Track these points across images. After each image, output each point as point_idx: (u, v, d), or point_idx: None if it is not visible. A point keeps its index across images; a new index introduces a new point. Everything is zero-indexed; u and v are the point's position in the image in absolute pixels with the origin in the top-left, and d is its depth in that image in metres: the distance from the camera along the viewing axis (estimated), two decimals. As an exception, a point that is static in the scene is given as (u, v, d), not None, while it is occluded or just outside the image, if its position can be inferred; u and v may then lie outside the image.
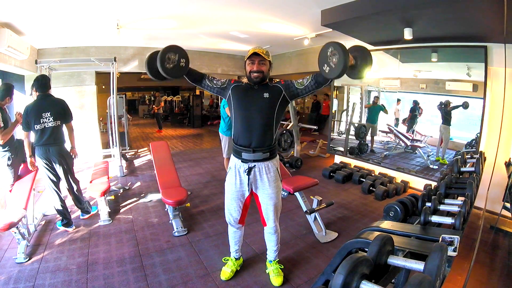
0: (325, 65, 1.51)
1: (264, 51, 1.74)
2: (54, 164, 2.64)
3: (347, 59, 1.42)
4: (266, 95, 1.76)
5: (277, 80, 1.94)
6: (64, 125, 2.73)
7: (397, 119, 4.69)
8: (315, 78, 1.71)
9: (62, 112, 2.67)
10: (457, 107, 3.85)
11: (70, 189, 2.78)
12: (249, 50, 1.76)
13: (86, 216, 2.97)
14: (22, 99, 4.93)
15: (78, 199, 2.86)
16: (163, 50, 1.67)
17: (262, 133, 1.77)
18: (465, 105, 3.74)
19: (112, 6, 3.23)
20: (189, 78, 1.88)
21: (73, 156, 2.86)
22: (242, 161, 1.81)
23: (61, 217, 2.73)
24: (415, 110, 4.40)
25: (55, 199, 2.68)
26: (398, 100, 4.65)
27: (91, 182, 3.19)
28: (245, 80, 1.88)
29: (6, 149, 2.67)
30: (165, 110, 13.52)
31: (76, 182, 2.85)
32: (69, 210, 2.80)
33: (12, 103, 2.86)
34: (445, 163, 4.10)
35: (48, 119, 2.56)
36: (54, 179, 2.68)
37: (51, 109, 2.58)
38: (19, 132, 2.78)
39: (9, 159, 2.70)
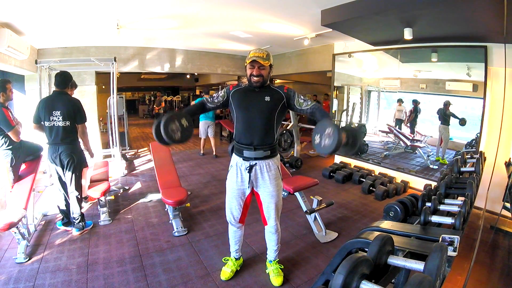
0: (318, 136, 1.47)
1: (264, 55, 1.74)
2: (62, 162, 2.56)
3: (338, 147, 1.40)
4: (267, 98, 1.77)
5: (279, 83, 1.97)
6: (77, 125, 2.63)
7: (397, 120, 4.67)
8: (313, 111, 1.75)
9: (73, 113, 2.56)
10: (455, 117, 3.87)
11: (71, 193, 2.63)
12: (250, 52, 1.76)
13: (78, 232, 2.65)
14: (22, 99, 4.94)
15: (75, 208, 2.63)
16: (164, 128, 1.58)
17: (263, 132, 1.79)
18: (462, 123, 3.83)
19: (112, 6, 3.23)
20: (197, 116, 1.96)
21: (87, 158, 2.77)
22: (243, 159, 1.83)
23: (62, 216, 2.72)
24: (418, 111, 4.39)
25: (60, 198, 2.66)
26: (399, 100, 4.64)
27: (91, 182, 3.19)
28: (244, 80, 1.89)
29: (9, 148, 2.66)
30: (165, 110, 13.51)
31: (79, 188, 2.68)
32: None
33: (11, 100, 2.81)
34: (445, 163, 4.10)
35: (58, 118, 2.50)
36: (63, 179, 2.62)
37: (61, 108, 2.51)
38: (22, 133, 2.75)
39: (12, 160, 2.69)
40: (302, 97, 1.82)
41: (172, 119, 1.62)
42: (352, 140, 1.49)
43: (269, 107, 1.78)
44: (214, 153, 6.05)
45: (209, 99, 1.92)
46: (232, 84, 1.90)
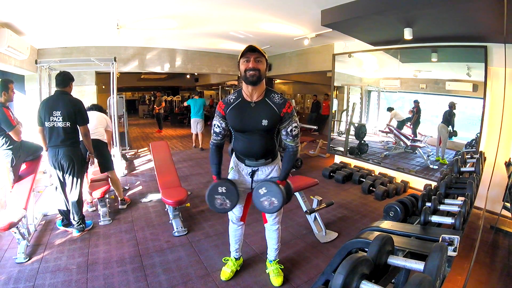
0: (266, 197, 1.69)
1: (260, 49, 1.60)
2: (63, 166, 2.53)
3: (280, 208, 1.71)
4: (264, 122, 1.63)
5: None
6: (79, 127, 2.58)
7: (400, 122, 4.67)
8: (285, 149, 1.78)
9: (73, 114, 2.49)
10: (452, 123, 3.90)
11: (71, 197, 2.61)
12: (243, 49, 1.62)
13: (79, 233, 2.64)
14: (22, 99, 4.94)
15: (76, 211, 2.62)
16: (214, 208, 1.77)
17: (264, 148, 1.75)
18: (451, 135, 3.93)
19: (112, 6, 3.23)
20: (222, 151, 1.89)
21: (89, 162, 2.75)
22: (245, 165, 1.83)
23: (62, 217, 2.72)
24: (419, 111, 4.38)
25: (60, 200, 2.64)
26: (389, 109, 4.73)
27: (91, 182, 3.19)
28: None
29: (10, 148, 2.65)
30: (165, 110, 13.52)
31: (80, 191, 2.64)
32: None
33: (12, 101, 2.80)
34: (445, 163, 4.10)
35: (58, 118, 2.46)
36: (63, 181, 2.59)
37: (62, 109, 2.46)
38: (22, 133, 2.74)
39: (12, 160, 2.67)
40: (291, 129, 1.68)
41: (210, 197, 1.75)
42: (288, 196, 1.78)
43: (267, 129, 1.68)
44: (200, 146, 6.89)
45: (218, 138, 1.79)
46: (221, 106, 1.71)
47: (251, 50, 1.57)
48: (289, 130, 1.69)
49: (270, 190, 1.66)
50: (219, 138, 1.79)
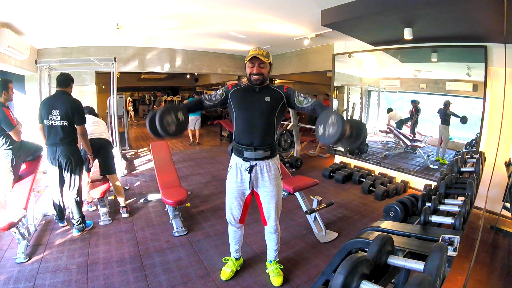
0: (321, 126, 1.47)
1: (264, 53, 1.74)
2: (61, 164, 2.55)
3: (342, 135, 1.38)
4: (267, 98, 1.77)
5: (279, 83, 1.97)
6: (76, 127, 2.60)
7: (399, 121, 4.68)
8: (314, 108, 1.73)
9: (71, 113, 2.53)
10: (455, 115, 3.85)
11: (70, 195, 2.63)
12: (250, 51, 1.75)
13: (78, 233, 2.64)
14: (22, 99, 4.94)
15: (75, 210, 2.63)
16: (159, 120, 1.53)
17: (263, 133, 1.78)
18: (463, 121, 3.78)
19: (112, 6, 3.23)
20: (192, 113, 1.90)
21: (87, 162, 2.77)
22: (243, 160, 1.82)
23: (56, 212, 2.74)
24: (418, 111, 4.38)
25: (56, 195, 2.67)
26: (389, 110, 4.76)
27: (91, 182, 3.18)
28: (245, 80, 1.89)
29: (10, 148, 2.65)
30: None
31: (79, 190, 2.66)
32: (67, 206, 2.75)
33: (12, 101, 2.81)
34: (445, 163, 4.10)
35: (56, 117, 2.50)
36: (59, 181, 2.60)
37: (60, 108, 2.50)
38: (22, 133, 2.75)
39: (12, 160, 2.67)
40: (302, 95, 1.80)
41: (168, 111, 1.57)
42: (356, 132, 1.48)
43: (269, 107, 1.77)
44: (197, 141, 7.48)
45: (207, 97, 1.90)
46: (231, 84, 1.90)
47: (255, 58, 1.72)
48: (301, 97, 1.78)
49: (324, 116, 1.48)
50: (206, 99, 1.90)
